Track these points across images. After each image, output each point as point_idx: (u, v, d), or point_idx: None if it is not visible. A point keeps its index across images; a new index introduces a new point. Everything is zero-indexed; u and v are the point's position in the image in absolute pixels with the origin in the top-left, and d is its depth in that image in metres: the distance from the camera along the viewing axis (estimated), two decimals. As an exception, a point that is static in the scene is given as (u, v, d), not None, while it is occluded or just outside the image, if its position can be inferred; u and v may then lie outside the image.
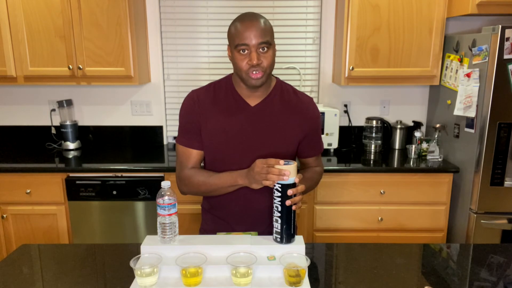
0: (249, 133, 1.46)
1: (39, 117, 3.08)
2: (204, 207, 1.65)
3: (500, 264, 1.40)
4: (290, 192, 1.30)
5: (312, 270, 1.36)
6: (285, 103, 1.50)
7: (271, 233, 1.38)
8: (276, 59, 2.95)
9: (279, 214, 1.33)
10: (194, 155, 1.51)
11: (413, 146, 2.73)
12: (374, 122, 2.89)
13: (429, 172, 2.52)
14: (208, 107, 1.47)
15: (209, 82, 1.57)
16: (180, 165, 1.53)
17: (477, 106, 2.33)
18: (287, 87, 1.54)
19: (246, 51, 1.35)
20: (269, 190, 1.52)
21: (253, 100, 1.47)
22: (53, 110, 3.03)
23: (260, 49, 1.35)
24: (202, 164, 1.58)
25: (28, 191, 2.53)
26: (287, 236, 1.34)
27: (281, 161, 1.30)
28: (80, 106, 3.06)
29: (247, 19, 1.36)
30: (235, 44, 1.36)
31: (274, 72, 2.97)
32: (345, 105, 3.04)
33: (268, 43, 1.36)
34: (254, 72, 1.37)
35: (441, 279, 1.31)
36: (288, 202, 1.31)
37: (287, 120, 1.49)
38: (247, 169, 1.40)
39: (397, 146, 2.96)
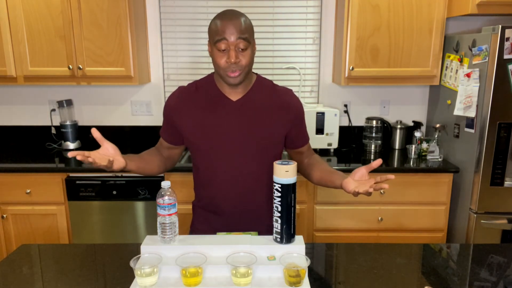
0: (231, 128, 1.46)
1: (39, 117, 3.08)
2: (195, 204, 1.65)
3: (500, 264, 1.40)
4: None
5: (312, 270, 1.36)
6: (267, 97, 1.51)
7: (270, 232, 1.38)
8: (276, 59, 2.99)
9: (279, 214, 1.33)
10: (164, 145, 1.61)
11: (413, 146, 2.73)
12: (374, 122, 2.89)
13: (429, 172, 2.52)
14: (187, 104, 1.49)
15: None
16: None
17: (477, 106, 2.33)
18: (267, 82, 1.56)
19: (224, 49, 1.36)
20: (264, 188, 1.52)
21: (234, 96, 1.48)
22: (53, 110, 3.03)
23: (239, 48, 1.36)
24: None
25: (28, 191, 2.53)
26: (287, 236, 1.34)
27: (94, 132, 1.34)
28: (80, 106, 3.06)
29: (227, 15, 1.37)
30: (214, 40, 1.37)
31: (275, 72, 2.98)
32: (345, 105, 3.04)
33: (247, 40, 1.36)
34: (232, 71, 1.38)
35: (441, 279, 1.31)
36: (370, 190, 1.31)
37: (270, 113, 1.49)
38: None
39: (397, 146, 2.96)
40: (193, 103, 1.49)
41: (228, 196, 1.51)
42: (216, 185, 1.52)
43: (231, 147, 1.47)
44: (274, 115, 1.49)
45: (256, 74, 1.55)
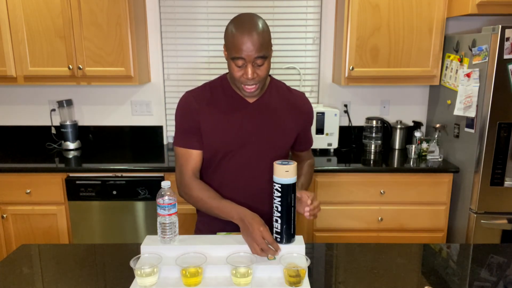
0: (249, 129, 1.47)
1: (39, 117, 3.08)
2: None
3: (500, 264, 1.40)
4: (307, 211, 1.38)
5: (312, 270, 1.36)
6: (282, 99, 1.52)
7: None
8: (276, 59, 2.98)
9: (279, 214, 1.33)
10: (194, 156, 1.49)
11: (413, 146, 2.73)
12: (374, 122, 2.89)
13: (429, 172, 2.52)
14: (206, 106, 1.47)
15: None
16: (180, 169, 1.50)
17: (477, 106, 2.33)
18: (281, 84, 1.57)
19: (241, 64, 1.34)
20: (268, 195, 1.51)
21: (251, 98, 1.48)
22: (53, 110, 3.03)
23: (257, 62, 1.34)
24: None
25: (28, 191, 2.53)
26: (287, 236, 1.34)
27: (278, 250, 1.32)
28: (80, 106, 3.06)
29: (245, 27, 1.31)
30: (231, 55, 1.34)
31: (275, 72, 2.98)
32: (345, 105, 3.04)
33: (264, 56, 1.34)
34: (248, 86, 1.38)
35: (441, 279, 1.31)
36: (306, 214, 1.38)
37: (284, 115, 1.51)
38: (246, 215, 1.35)
39: (397, 146, 2.96)
40: (210, 106, 1.47)
41: (240, 198, 1.50)
42: (228, 187, 1.51)
43: (245, 148, 1.47)
44: (288, 117, 1.51)
45: (270, 75, 1.55)
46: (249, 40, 1.30)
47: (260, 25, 1.33)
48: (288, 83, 1.65)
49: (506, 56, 2.18)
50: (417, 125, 2.98)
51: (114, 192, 2.52)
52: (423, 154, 2.72)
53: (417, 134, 2.80)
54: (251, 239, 1.30)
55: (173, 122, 3.11)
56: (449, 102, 2.64)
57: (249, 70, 1.33)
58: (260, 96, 1.49)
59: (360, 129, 3.06)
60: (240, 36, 1.31)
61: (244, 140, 1.47)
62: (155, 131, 3.09)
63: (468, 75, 2.37)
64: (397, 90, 3.04)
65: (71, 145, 2.96)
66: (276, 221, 1.34)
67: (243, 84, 1.38)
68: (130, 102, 3.05)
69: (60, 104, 2.93)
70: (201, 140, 1.48)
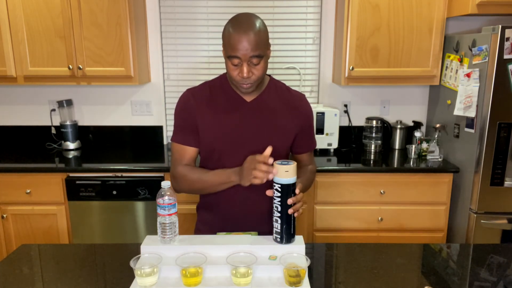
0: (246, 128, 1.47)
1: (39, 117, 3.08)
2: (200, 207, 1.65)
3: (500, 264, 1.40)
4: (290, 201, 1.31)
5: (312, 270, 1.36)
6: (280, 99, 1.52)
7: (271, 233, 1.38)
8: (276, 59, 2.98)
9: (279, 214, 1.33)
10: (189, 152, 1.52)
11: (413, 146, 2.73)
12: (374, 122, 2.89)
13: (429, 172, 2.52)
14: (204, 104, 1.48)
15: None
16: (174, 162, 1.54)
17: (477, 106, 2.33)
18: (280, 84, 1.57)
19: (237, 63, 1.35)
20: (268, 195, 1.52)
21: (249, 97, 1.49)
22: (53, 110, 3.03)
23: (252, 61, 1.35)
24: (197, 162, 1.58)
25: (28, 191, 2.53)
26: (287, 236, 1.34)
27: (270, 159, 1.30)
28: (80, 106, 3.06)
29: (242, 28, 1.32)
30: (227, 54, 1.36)
31: (275, 72, 2.98)
32: (345, 105, 3.04)
33: (260, 56, 1.35)
34: (244, 84, 1.39)
35: (441, 279, 1.31)
36: (290, 211, 1.32)
37: (282, 115, 1.50)
38: (241, 166, 1.39)
39: (397, 146, 2.96)
40: (209, 104, 1.48)
41: (237, 198, 1.51)
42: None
43: (242, 147, 1.47)
44: (287, 117, 1.51)
45: (269, 75, 1.56)
46: (245, 39, 1.31)
47: (257, 25, 1.34)
48: (288, 83, 1.65)
49: (506, 56, 2.18)
50: (417, 125, 2.98)
51: (114, 192, 2.52)
52: (423, 154, 2.72)
53: (417, 134, 2.80)
54: (247, 174, 1.32)
55: (173, 122, 3.12)
56: (449, 102, 2.64)
57: (245, 69, 1.34)
58: (259, 95, 1.49)
59: (360, 129, 3.06)
60: (236, 35, 1.32)
61: (241, 139, 1.47)
62: (155, 131, 3.09)
63: (468, 75, 2.37)
64: (397, 90, 3.04)
65: (71, 145, 2.96)
66: (276, 221, 1.34)
67: (239, 83, 1.39)
68: (130, 102, 3.05)
69: (60, 104, 2.93)
70: (197, 138, 1.50)
